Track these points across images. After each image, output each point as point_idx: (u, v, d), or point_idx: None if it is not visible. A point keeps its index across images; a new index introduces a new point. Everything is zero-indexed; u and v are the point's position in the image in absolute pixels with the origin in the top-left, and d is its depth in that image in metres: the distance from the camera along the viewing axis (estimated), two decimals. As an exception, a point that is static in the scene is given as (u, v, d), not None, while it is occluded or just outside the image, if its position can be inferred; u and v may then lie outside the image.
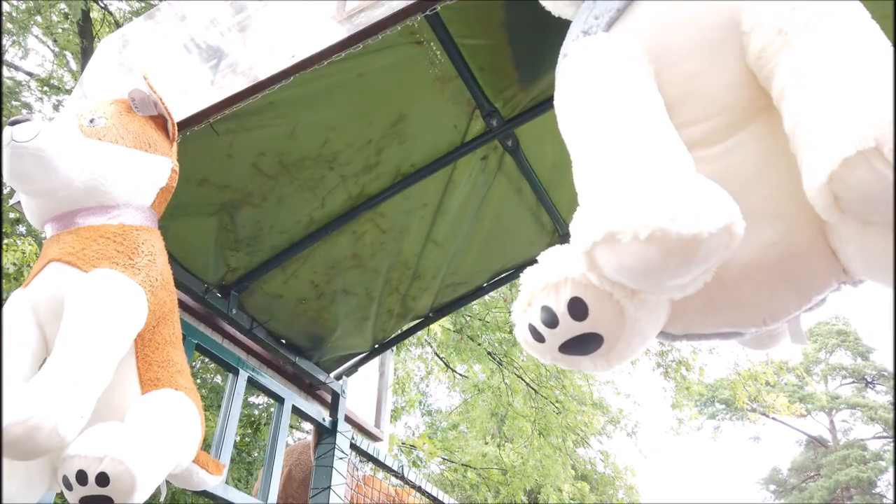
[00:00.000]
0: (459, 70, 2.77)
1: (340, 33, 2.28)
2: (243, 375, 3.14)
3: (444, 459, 10.88)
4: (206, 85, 2.43)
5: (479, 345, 8.57)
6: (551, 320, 1.09)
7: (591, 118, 1.17)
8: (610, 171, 1.09)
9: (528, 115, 3.03)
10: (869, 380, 24.09)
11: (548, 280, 1.10)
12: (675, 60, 1.21)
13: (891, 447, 22.07)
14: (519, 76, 2.87)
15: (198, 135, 2.52)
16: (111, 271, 1.77)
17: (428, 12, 2.21)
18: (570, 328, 1.09)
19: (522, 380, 9.10)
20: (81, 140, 1.89)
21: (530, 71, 2.87)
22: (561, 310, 1.08)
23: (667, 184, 0.95)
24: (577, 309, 1.07)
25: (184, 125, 2.43)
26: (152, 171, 2.02)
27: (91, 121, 1.95)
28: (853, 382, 24.30)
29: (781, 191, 1.16)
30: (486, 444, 12.29)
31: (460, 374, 11.14)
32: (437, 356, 11.10)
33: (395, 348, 5.14)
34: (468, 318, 8.42)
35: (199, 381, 6.70)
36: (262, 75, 2.22)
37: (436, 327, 8.00)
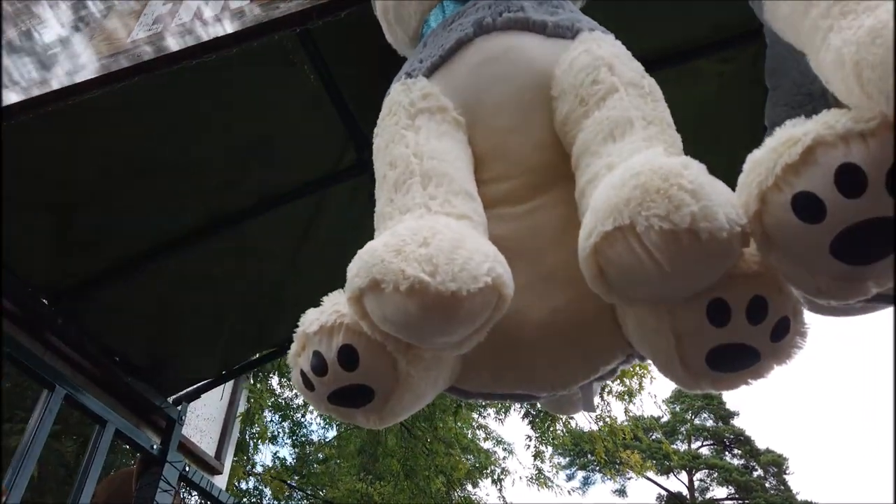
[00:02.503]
0: (332, 97, 2.72)
1: (198, 35, 2.18)
2: (60, 392, 2.86)
3: (306, 494, 10.46)
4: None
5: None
6: (321, 367, 1.02)
7: (389, 161, 1.14)
8: (390, 218, 1.05)
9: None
10: (727, 443, 25.63)
11: (322, 324, 1.03)
12: (488, 116, 1.21)
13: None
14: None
15: (36, 124, 2.31)
16: None
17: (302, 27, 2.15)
18: (339, 377, 1.02)
19: (397, 417, 8.87)
20: None
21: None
22: (331, 357, 1.01)
23: (437, 238, 0.92)
24: (348, 357, 1.01)
25: (15, 112, 2.22)
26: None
27: None
28: (713, 444, 25.75)
29: (575, 258, 1.15)
30: (360, 480, 11.95)
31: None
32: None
33: (249, 376, 4.92)
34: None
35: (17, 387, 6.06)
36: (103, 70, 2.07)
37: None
